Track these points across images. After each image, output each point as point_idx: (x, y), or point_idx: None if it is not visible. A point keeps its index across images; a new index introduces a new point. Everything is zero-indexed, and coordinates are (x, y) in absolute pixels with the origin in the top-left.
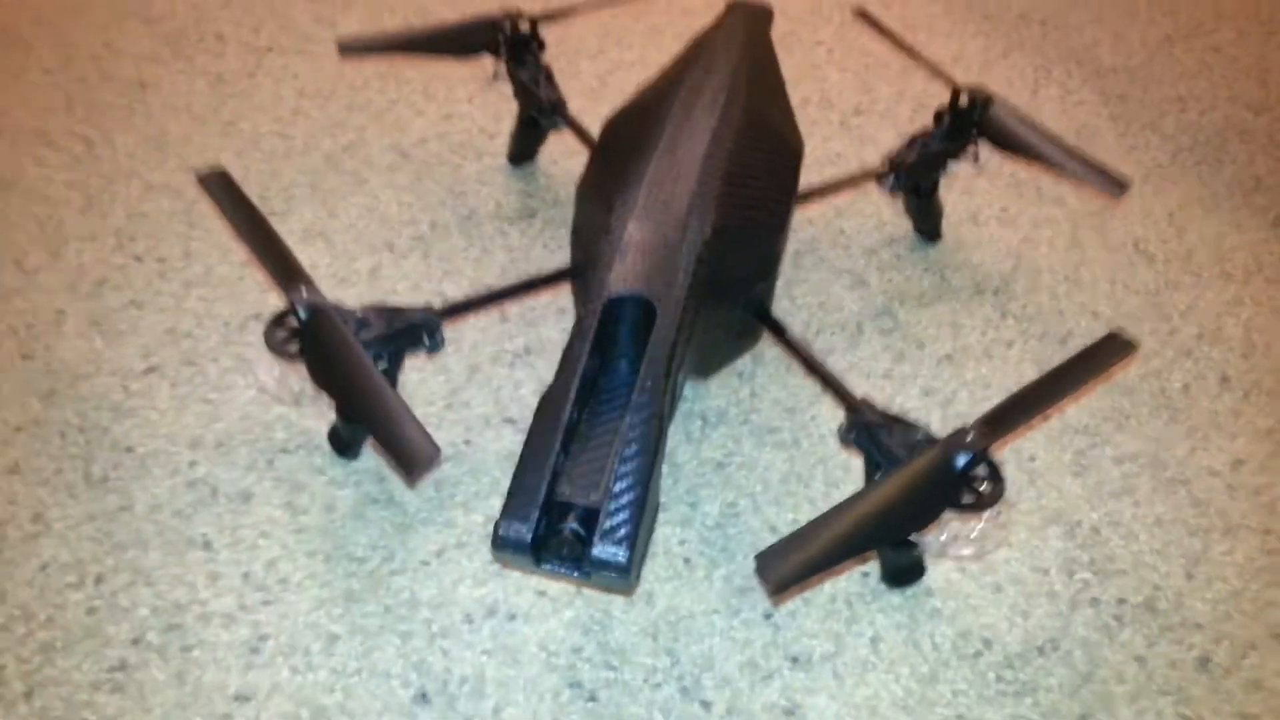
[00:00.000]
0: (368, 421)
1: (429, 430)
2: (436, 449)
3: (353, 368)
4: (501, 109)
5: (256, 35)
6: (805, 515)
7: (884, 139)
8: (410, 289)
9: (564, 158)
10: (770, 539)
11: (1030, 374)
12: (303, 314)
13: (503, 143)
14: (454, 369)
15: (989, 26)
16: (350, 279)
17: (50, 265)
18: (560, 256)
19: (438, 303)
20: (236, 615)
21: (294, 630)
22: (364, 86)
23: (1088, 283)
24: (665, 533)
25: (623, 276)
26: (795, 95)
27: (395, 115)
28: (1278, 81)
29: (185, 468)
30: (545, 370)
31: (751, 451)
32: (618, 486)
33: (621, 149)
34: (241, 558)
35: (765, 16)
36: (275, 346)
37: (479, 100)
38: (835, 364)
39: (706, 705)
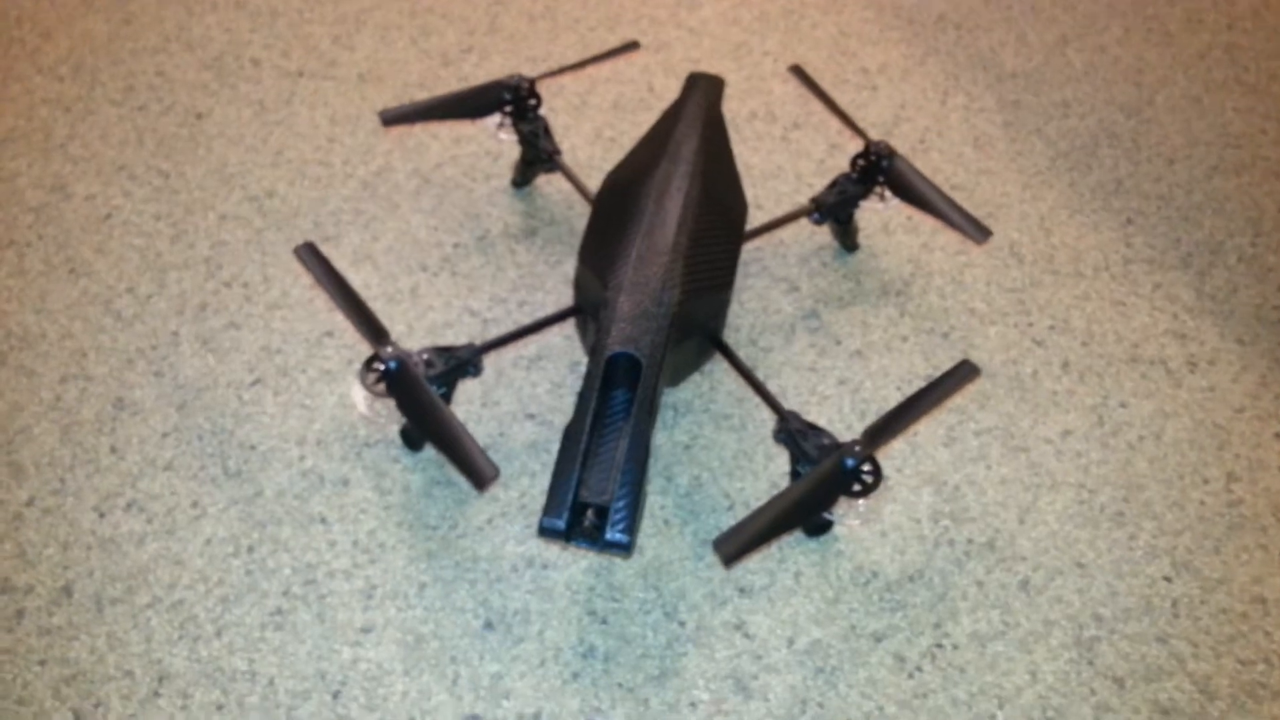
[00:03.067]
0: (442, 448)
1: (475, 424)
2: (496, 468)
3: (428, 406)
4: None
5: (287, 60)
6: (750, 485)
7: (816, 152)
8: (444, 305)
9: (556, 180)
10: (725, 504)
11: (919, 364)
12: (391, 366)
13: (505, 164)
14: (485, 373)
15: (911, 32)
16: (396, 297)
17: (159, 293)
18: (558, 270)
19: (466, 316)
20: (353, 571)
21: (394, 581)
22: None
23: (969, 283)
24: (651, 500)
25: (617, 340)
26: (743, 109)
27: (415, 141)
28: (1150, 82)
29: (297, 460)
30: (554, 372)
31: (711, 434)
32: (620, 491)
33: (611, 227)
34: (349, 529)
35: (719, 85)
36: (369, 387)
37: (480, 125)
38: (773, 359)
39: (682, 624)
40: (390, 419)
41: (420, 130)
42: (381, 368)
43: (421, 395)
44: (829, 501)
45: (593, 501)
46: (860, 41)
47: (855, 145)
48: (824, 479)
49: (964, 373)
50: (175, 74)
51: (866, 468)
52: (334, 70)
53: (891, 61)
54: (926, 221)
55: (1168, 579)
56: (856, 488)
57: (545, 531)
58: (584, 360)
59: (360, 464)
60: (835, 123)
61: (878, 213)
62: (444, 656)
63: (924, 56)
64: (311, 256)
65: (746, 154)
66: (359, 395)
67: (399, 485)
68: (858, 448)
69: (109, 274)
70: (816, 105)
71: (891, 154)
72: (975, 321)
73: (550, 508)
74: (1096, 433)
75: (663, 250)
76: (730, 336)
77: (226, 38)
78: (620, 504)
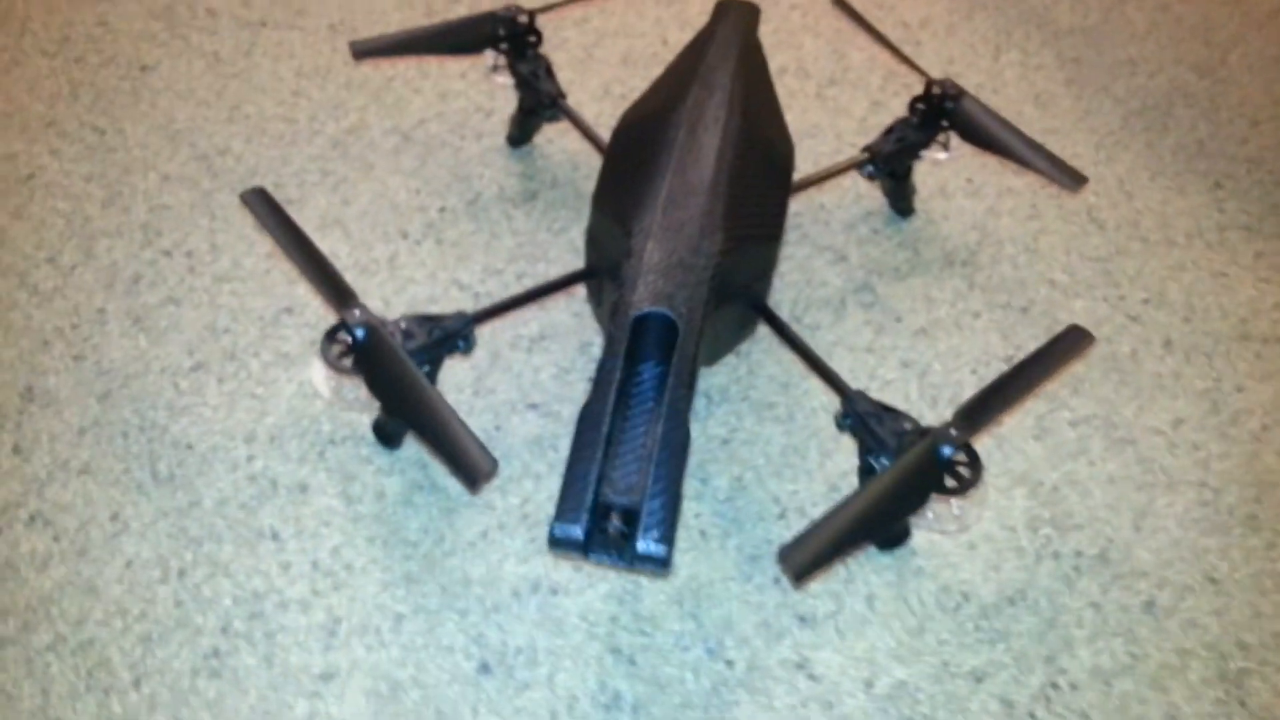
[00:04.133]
0: (427, 436)
1: (465, 416)
2: (494, 461)
3: (408, 385)
4: (494, 86)
5: (248, 9)
6: (804, 486)
7: (857, 110)
8: (428, 277)
9: (559, 137)
10: (775, 510)
11: (996, 343)
12: (360, 335)
13: (499, 120)
14: (477, 355)
15: None
16: (371, 268)
17: (85, 263)
18: (563, 238)
19: (454, 290)
20: (311, 601)
21: (364, 612)
22: (360, 64)
23: (1045, 251)
24: (683, 507)
25: (646, 297)
26: (773, 64)
27: (393, 94)
28: (1220, 42)
29: (244, 462)
30: (560, 355)
31: (752, 427)
32: (654, 488)
33: (633, 165)
34: (307, 546)
35: (754, 14)
36: (331, 362)
37: (472, 77)
38: (822, 339)
39: (730, 664)
40: (361, 405)
41: (401, 84)
42: (348, 338)
43: (399, 369)
44: (920, 500)
45: (619, 503)
46: None
47: (902, 99)
48: (914, 471)
49: (1075, 339)
50: (119, 24)
51: (962, 457)
52: (302, 20)
53: (935, 16)
54: (990, 183)
55: None
56: (952, 483)
57: (558, 543)
58: (597, 340)
59: (323, 466)
60: (876, 79)
61: (939, 164)
62: (427, 709)
63: (970, 11)
64: (261, 204)
65: None
66: (320, 374)
67: (370, 492)
68: (953, 431)
69: (26, 242)
70: (854, 61)
71: (960, 93)
72: (1058, 294)
73: (564, 511)
74: (1212, 421)
75: (699, 189)
76: None
77: None
78: (655, 504)
